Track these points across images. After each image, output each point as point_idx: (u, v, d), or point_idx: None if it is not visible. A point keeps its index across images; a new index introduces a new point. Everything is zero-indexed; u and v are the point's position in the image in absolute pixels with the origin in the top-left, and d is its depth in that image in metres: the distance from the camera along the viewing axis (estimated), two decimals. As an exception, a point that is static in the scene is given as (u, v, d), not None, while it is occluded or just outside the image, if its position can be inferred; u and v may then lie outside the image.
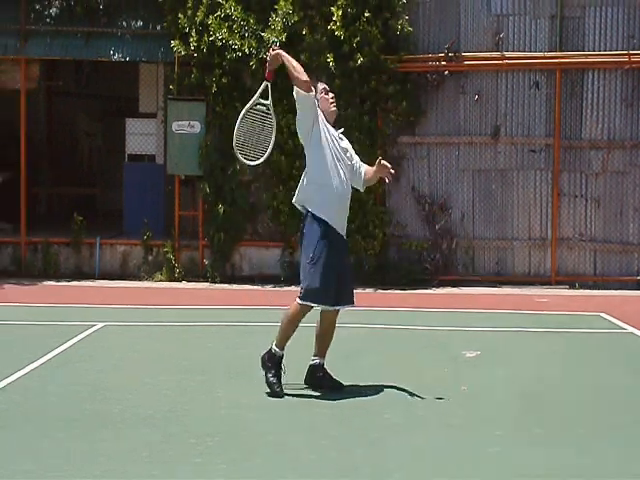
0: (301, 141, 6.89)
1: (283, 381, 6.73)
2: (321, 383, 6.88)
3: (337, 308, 6.81)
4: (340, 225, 6.80)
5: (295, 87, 6.73)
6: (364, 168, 7.01)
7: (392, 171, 6.86)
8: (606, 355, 8.49)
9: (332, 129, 6.88)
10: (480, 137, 13.00)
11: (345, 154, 6.90)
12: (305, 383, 6.91)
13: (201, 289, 12.57)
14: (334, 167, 6.75)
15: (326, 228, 6.68)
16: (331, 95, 6.93)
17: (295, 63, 6.72)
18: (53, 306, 10.92)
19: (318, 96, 6.85)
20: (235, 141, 6.81)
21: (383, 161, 6.90)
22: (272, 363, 6.72)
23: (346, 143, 7.00)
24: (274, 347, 6.74)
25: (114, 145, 15.50)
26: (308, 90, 6.71)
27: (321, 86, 6.95)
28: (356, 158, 7.02)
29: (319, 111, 6.80)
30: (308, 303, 6.69)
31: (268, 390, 6.71)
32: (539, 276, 12.97)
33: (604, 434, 5.97)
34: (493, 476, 5.19)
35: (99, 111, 18.15)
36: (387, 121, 12.89)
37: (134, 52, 13.33)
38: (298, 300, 6.72)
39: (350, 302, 6.88)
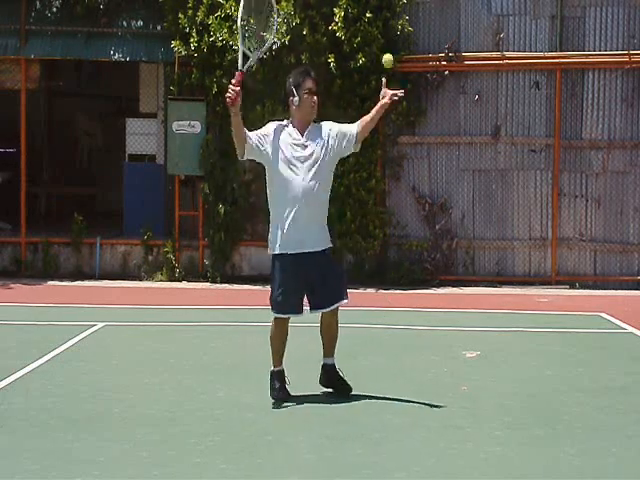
0: None
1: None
2: (331, 383, 6.83)
3: (317, 312, 6.72)
4: (295, 242, 6.56)
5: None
6: (354, 131, 6.72)
7: (394, 94, 6.60)
8: (606, 355, 8.49)
9: (290, 141, 6.67)
10: (480, 137, 13.00)
11: (310, 155, 6.61)
12: (320, 383, 6.85)
13: (201, 289, 12.57)
14: (284, 190, 6.58)
15: (278, 256, 6.62)
16: (314, 99, 6.69)
17: (236, 130, 6.80)
18: (53, 306, 10.92)
19: (300, 92, 6.66)
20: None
21: (387, 91, 6.63)
22: (275, 379, 6.71)
23: (315, 143, 6.66)
24: (271, 368, 6.75)
25: (114, 145, 15.51)
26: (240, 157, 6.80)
27: (307, 84, 6.70)
28: (344, 132, 6.73)
29: (265, 145, 6.71)
30: (274, 314, 6.69)
31: (268, 390, 6.71)
32: (539, 276, 12.98)
33: (604, 434, 5.96)
34: (493, 476, 5.18)
35: (99, 111, 18.15)
36: (387, 121, 12.88)
37: (134, 52, 13.33)
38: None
39: (328, 305, 6.67)
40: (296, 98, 6.70)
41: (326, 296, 6.67)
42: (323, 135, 6.70)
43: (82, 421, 6.11)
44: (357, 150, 6.89)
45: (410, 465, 5.31)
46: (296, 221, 6.55)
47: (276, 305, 6.65)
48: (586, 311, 10.91)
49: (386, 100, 6.66)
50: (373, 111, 6.76)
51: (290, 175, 6.58)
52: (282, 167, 6.59)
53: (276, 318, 6.71)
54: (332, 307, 6.69)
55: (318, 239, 6.65)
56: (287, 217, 6.55)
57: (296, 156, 6.61)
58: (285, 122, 6.84)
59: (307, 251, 6.58)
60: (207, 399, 6.68)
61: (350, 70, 12.46)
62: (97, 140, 18.33)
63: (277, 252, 6.61)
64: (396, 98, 6.68)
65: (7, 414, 6.27)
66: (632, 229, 12.90)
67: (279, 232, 6.59)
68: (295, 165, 6.60)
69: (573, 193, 12.95)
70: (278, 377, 6.71)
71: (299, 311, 6.70)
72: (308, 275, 6.61)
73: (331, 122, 6.84)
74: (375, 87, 12.62)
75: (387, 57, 6.97)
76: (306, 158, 6.61)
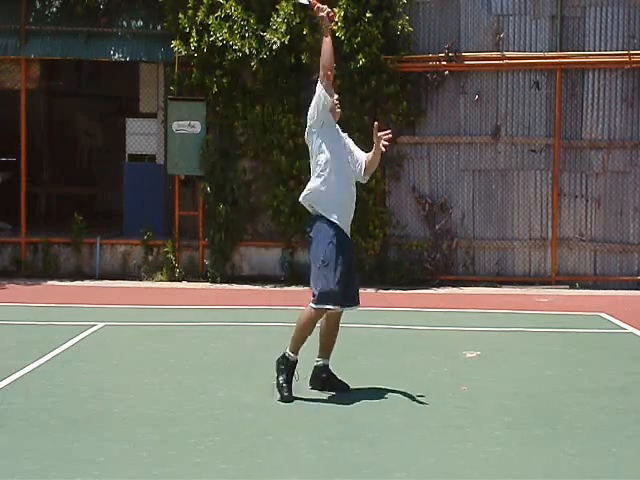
0: (307, 139, 6.81)
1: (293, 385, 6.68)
2: (326, 384, 6.84)
3: (346, 309, 6.75)
4: (346, 225, 6.75)
5: (320, 76, 6.74)
6: (363, 160, 6.87)
7: (387, 139, 6.69)
8: (606, 355, 8.49)
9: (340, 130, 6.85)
10: (480, 137, 13.00)
11: (349, 153, 6.85)
12: (310, 384, 6.85)
13: (201, 289, 12.57)
14: (343, 168, 6.71)
15: (336, 229, 6.63)
16: (336, 96, 6.84)
17: (330, 53, 6.78)
18: (53, 306, 10.92)
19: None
20: None
21: (378, 133, 6.73)
22: (285, 366, 6.64)
23: (348, 140, 6.95)
24: (288, 352, 6.66)
25: (114, 145, 15.51)
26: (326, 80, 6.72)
27: (335, 95, 6.85)
28: (356, 152, 6.92)
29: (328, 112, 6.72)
30: (323, 306, 6.55)
31: (278, 394, 6.63)
32: (539, 276, 12.98)
33: (604, 434, 5.96)
34: (493, 476, 5.18)
35: (99, 111, 18.16)
36: (387, 121, 12.87)
37: (134, 52, 13.33)
38: (312, 305, 6.58)
39: (356, 303, 6.82)
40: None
41: (352, 294, 6.75)
42: (346, 139, 6.90)
43: (82, 421, 6.11)
44: (365, 182, 7.10)
45: (410, 465, 5.31)
46: (347, 205, 6.78)
47: (333, 296, 6.52)
48: (586, 311, 10.91)
49: (379, 148, 6.77)
50: (371, 154, 6.87)
51: (345, 158, 6.75)
52: (340, 149, 6.73)
53: (319, 309, 6.57)
54: (353, 308, 6.78)
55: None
56: (342, 196, 6.71)
57: (346, 147, 6.81)
58: None
59: (349, 237, 6.77)
60: (207, 399, 6.68)
61: (350, 70, 12.46)
62: (97, 140, 18.33)
63: (337, 223, 6.65)
64: (385, 144, 6.77)
65: (7, 414, 6.27)
66: (632, 229, 12.90)
67: (338, 204, 6.68)
68: (347, 155, 6.79)
69: (573, 193, 12.95)
70: (290, 367, 6.60)
71: (343, 304, 6.65)
72: (351, 261, 6.74)
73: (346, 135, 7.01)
74: (375, 87, 12.67)
75: None
76: (349, 151, 6.84)
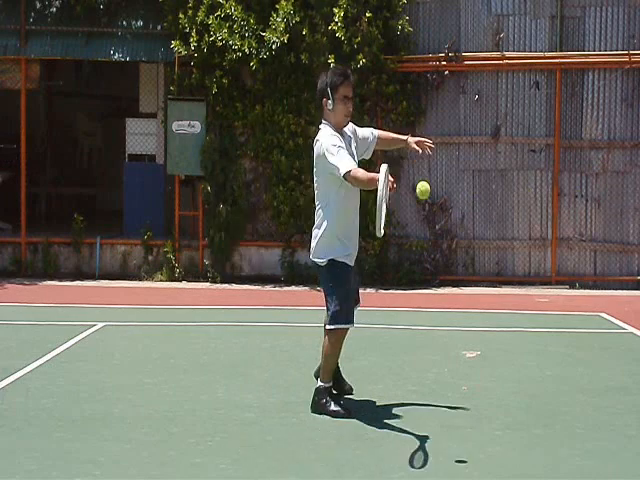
0: (318, 181, 6.35)
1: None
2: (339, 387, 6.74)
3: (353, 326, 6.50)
4: (354, 255, 6.46)
5: (352, 179, 6.07)
6: (376, 138, 6.47)
7: (428, 145, 6.41)
8: (606, 355, 8.49)
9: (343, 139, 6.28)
10: (480, 137, 13.01)
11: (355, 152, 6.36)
12: (315, 374, 6.68)
13: (201, 289, 12.57)
14: (347, 196, 6.28)
15: (342, 264, 6.35)
16: (349, 107, 6.25)
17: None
18: (53, 306, 10.92)
19: (336, 97, 6.22)
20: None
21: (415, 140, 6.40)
22: (326, 398, 6.34)
23: (354, 137, 6.45)
24: (321, 385, 6.37)
25: (114, 145, 15.52)
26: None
27: (344, 91, 6.27)
28: (367, 134, 6.52)
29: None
30: (339, 326, 6.30)
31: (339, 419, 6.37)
32: (539, 276, 12.98)
33: (604, 434, 5.96)
34: (493, 476, 5.18)
35: (99, 111, 18.17)
36: (387, 121, 12.90)
37: (134, 52, 13.34)
38: (329, 327, 6.32)
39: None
40: (330, 102, 6.24)
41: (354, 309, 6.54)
42: (354, 138, 6.44)
43: (82, 421, 6.11)
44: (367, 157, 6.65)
45: (409, 465, 5.31)
46: (354, 233, 6.41)
47: (347, 315, 6.28)
48: (586, 311, 10.91)
49: (413, 145, 6.52)
50: (395, 135, 6.59)
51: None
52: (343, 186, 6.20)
53: (341, 330, 6.29)
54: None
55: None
56: (349, 229, 6.34)
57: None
58: (329, 127, 6.31)
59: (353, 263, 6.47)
60: (207, 399, 6.68)
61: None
62: (97, 140, 18.34)
63: (344, 261, 6.32)
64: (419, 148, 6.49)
65: (7, 414, 6.26)
66: (632, 229, 12.91)
67: (344, 242, 6.31)
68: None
69: (573, 193, 12.96)
70: (329, 392, 6.40)
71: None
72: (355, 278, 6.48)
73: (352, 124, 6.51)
74: (375, 87, 12.67)
75: (423, 189, 6.41)
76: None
